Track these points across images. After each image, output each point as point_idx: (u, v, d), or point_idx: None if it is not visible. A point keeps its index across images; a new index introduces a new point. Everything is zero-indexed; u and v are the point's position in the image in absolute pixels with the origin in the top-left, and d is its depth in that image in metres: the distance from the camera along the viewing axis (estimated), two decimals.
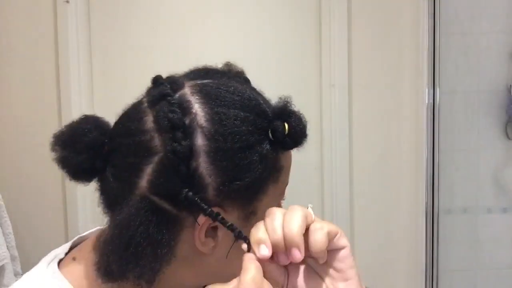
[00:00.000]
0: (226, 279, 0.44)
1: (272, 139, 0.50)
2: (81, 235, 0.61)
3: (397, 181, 1.59)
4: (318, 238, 0.44)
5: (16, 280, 1.41)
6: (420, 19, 1.51)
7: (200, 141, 0.48)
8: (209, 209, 0.48)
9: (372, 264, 1.61)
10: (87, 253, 0.54)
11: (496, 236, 1.67)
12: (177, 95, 0.50)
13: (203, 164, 0.48)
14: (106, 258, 0.50)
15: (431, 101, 1.54)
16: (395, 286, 1.63)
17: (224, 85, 0.52)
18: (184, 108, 0.49)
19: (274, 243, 0.44)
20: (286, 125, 0.50)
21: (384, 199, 1.60)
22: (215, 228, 0.51)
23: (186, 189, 0.47)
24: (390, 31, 1.56)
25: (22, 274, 1.41)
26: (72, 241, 0.61)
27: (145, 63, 1.52)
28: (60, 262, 0.57)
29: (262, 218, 0.50)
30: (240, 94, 0.51)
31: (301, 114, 0.54)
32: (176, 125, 0.47)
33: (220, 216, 0.48)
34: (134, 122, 0.51)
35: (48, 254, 0.59)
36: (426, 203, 1.55)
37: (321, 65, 1.55)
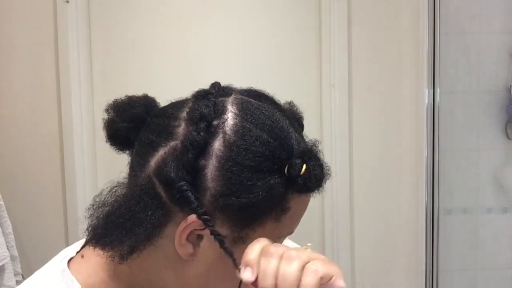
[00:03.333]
0: None
1: (286, 174, 0.50)
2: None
3: (397, 181, 1.59)
4: (309, 283, 0.43)
5: (16, 280, 1.41)
6: (420, 19, 1.51)
7: (217, 144, 0.49)
8: (199, 208, 0.48)
9: (372, 264, 1.61)
10: (96, 253, 0.55)
11: (496, 236, 1.67)
12: (219, 99, 0.52)
13: (211, 167, 0.48)
14: (95, 219, 0.52)
15: (431, 101, 1.54)
16: (395, 286, 1.63)
17: (264, 108, 0.52)
18: (219, 110, 0.50)
19: None
20: (304, 167, 0.49)
21: (384, 199, 1.60)
22: (200, 237, 0.51)
23: (184, 182, 0.48)
24: (390, 31, 1.56)
25: (22, 274, 1.42)
26: (85, 239, 0.61)
27: (145, 63, 1.52)
28: (71, 260, 0.58)
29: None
30: (274, 121, 0.51)
31: (326, 164, 0.53)
32: (203, 119, 0.49)
33: (210, 222, 0.48)
34: (174, 108, 0.53)
35: (60, 253, 0.60)
36: (426, 203, 1.55)
37: (321, 65, 1.55)
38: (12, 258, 1.40)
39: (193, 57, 1.53)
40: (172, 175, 0.48)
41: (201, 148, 0.48)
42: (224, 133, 0.49)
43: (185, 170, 0.48)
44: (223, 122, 0.50)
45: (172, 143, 0.49)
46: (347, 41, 1.54)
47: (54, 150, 1.53)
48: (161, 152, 0.50)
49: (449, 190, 1.64)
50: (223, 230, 0.50)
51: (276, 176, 0.49)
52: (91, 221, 0.53)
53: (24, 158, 1.54)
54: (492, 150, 1.65)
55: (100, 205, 0.53)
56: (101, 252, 0.53)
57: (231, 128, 0.49)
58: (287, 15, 1.55)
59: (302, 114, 0.60)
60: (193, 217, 0.49)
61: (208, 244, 0.50)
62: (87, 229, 0.53)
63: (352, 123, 1.56)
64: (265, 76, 1.52)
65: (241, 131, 0.49)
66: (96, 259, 0.55)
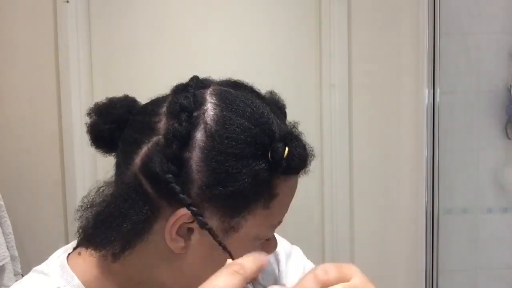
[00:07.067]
0: None
1: (270, 159, 0.50)
2: None
3: (397, 181, 1.59)
4: None
5: (16, 280, 1.42)
6: (420, 19, 1.51)
7: (199, 135, 0.49)
8: (186, 200, 0.48)
9: (372, 264, 1.61)
10: (92, 251, 0.55)
11: (496, 236, 1.67)
12: (198, 91, 0.52)
13: (195, 158, 0.49)
14: (85, 220, 0.53)
15: (431, 101, 1.54)
16: (395, 286, 1.63)
17: (243, 96, 0.53)
18: (198, 101, 0.51)
19: None
20: (287, 149, 0.50)
21: (384, 199, 1.60)
22: (190, 230, 0.51)
23: (170, 175, 0.48)
24: (390, 31, 1.56)
25: (22, 274, 1.41)
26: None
27: (145, 63, 1.52)
28: (69, 256, 0.59)
29: (244, 237, 0.51)
30: (254, 108, 0.52)
31: (307, 144, 0.53)
32: (183, 110, 0.49)
33: (199, 213, 0.48)
34: (154, 105, 0.54)
35: (58, 250, 0.61)
36: (426, 203, 1.55)
37: (321, 65, 1.55)
38: (12, 258, 1.39)
39: (193, 57, 1.53)
40: (157, 169, 0.48)
41: (184, 139, 0.48)
42: (205, 123, 0.49)
43: (170, 162, 0.48)
44: (203, 113, 0.50)
45: (155, 138, 0.50)
46: (347, 41, 1.53)
47: (54, 150, 1.53)
48: (144, 149, 0.50)
49: (449, 190, 1.64)
50: (213, 221, 0.50)
51: (260, 162, 0.50)
52: (81, 222, 0.54)
53: (24, 158, 1.54)
54: (492, 150, 1.65)
55: (88, 206, 0.53)
56: (93, 252, 0.53)
57: (212, 118, 0.50)
58: (287, 15, 1.55)
59: (284, 102, 0.60)
60: (181, 211, 0.49)
61: (199, 236, 0.50)
62: (78, 230, 0.54)
63: (352, 123, 1.56)
64: (265, 76, 1.52)
65: (221, 120, 0.50)
66: (91, 257, 0.56)
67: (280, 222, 0.56)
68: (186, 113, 0.49)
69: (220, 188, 0.49)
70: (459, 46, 1.62)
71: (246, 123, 0.50)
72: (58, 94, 1.51)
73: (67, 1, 1.48)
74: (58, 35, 1.50)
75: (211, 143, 0.49)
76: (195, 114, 0.50)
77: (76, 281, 0.54)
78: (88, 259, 0.56)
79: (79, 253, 0.58)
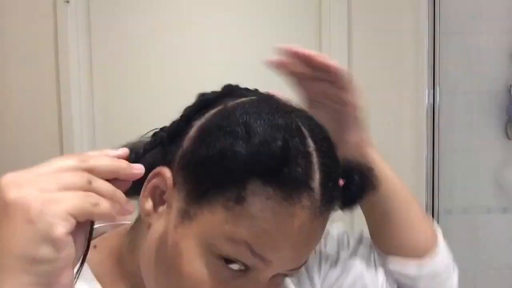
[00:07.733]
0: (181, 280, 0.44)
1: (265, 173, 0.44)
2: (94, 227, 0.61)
3: None
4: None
5: None
6: (420, 19, 1.51)
7: (211, 113, 0.49)
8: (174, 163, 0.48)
9: None
10: (109, 243, 0.55)
11: (496, 236, 1.67)
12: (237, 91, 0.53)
13: (194, 128, 0.48)
14: None
15: (431, 101, 1.54)
16: None
17: (265, 112, 0.49)
18: (225, 93, 0.52)
19: None
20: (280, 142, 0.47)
21: None
22: (162, 201, 0.48)
23: (165, 133, 0.49)
24: (390, 31, 1.56)
25: None
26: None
27: (145, 63, 1.52)
28: None
29: (195, 235, 0.45)
30: (271, 119, 0.47)
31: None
32: (213, 96, 0.51)
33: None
34: None
35: None
36: (426, 203, 1.55)
37: None
38: None
39: (193, 57, 1.53)
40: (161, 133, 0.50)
41: (200, 106, 0.50)
42: (220, 111, 0.48)
43: (174, 124, 0.50)
44: (224, 107, 0.49)
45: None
46: (347, 41, 1.53)
47: (54, 150, 1.53)
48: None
49: (449, 190, 1.64)
50: (180, 197, 0.47)
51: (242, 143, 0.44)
52: None
53: (24, 158, 1.54)
54: (492, 150, 1.65)
55: None
56: (114, 243, 0.53)
57: (233, 105, 0.49)
58: (287, 16, 1.55)
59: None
60: (164, 169, 0.47)
61: (166, 213, 0.47)
62: None
63: None
64: (264, 75, 1.52)
65: (238, 112, 0.46)
66: (106, 250, 0.55)
67: (264, 260, 0.44)
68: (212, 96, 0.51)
69: (193, 155, 0.46)
70: (459, 46, 1.62)
71: (267, 126, 0.48)
72: (58, 94, 1.51)
73: (67, 1, 1.48)
74: (58, 35, 1.50)
75: (216, 120, 0.47)
76: (217, 101, 0.51)
77: (90, 275, 0.54)
78: (105, 252, 0.55)
79: (95, 246, 0.57)
